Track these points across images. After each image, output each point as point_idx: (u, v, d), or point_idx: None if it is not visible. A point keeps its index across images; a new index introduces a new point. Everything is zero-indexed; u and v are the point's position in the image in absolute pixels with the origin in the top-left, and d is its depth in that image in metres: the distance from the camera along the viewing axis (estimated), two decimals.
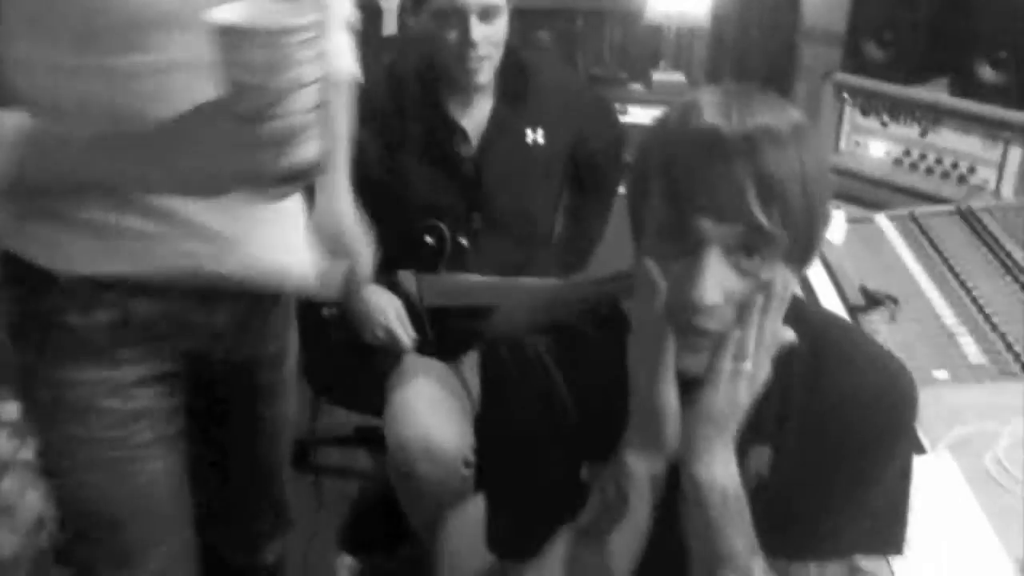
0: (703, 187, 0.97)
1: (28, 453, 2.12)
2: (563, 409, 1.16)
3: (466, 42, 1.95)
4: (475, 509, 1.36)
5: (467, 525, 1.52)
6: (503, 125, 2.10)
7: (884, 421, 1.13)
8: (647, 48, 3.52)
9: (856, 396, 1.12)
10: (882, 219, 2.22)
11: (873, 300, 1.86)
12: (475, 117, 2.10)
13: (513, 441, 1.20)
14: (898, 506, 1.17)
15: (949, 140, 2.78)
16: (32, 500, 2.06)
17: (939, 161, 2.81)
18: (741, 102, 1.00)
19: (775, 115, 0.99)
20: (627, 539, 1.09)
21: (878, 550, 1.20)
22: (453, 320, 2.15)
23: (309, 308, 2.22)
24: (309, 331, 2.26)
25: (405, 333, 2.12)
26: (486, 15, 1.96)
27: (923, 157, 2.84)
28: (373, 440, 2.23)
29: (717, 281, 0.98)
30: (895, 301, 1.85)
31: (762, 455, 1.13)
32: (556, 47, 3.50)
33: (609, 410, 1.11)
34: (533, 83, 2.13)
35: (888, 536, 1.18)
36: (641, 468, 1.07)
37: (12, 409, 2.22)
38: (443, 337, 2.17)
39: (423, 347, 2.16)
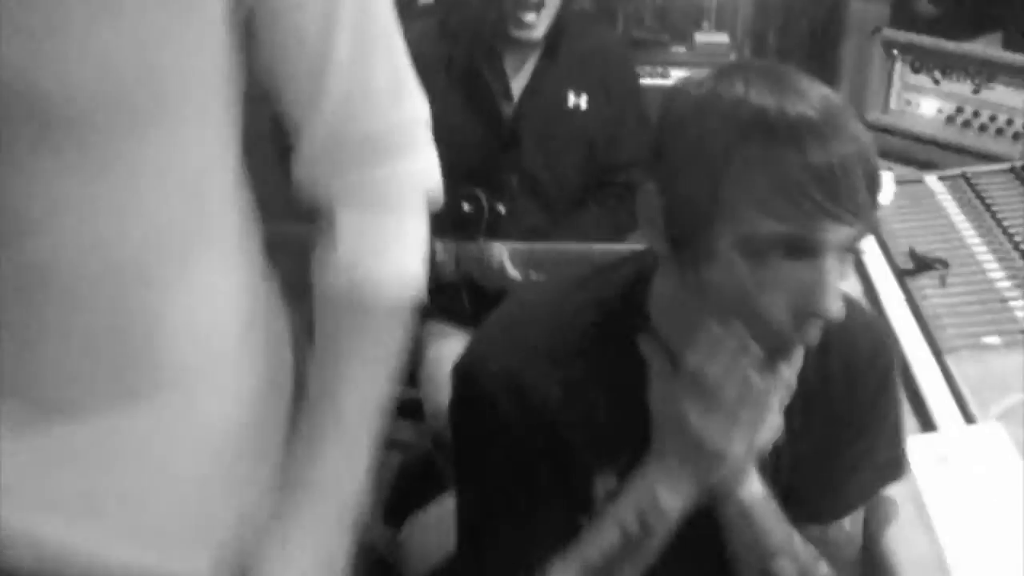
0: (820, 188, 0.89)
1: None
2: (565, 438, 1.07)
3: None
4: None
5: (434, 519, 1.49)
6: (544, 85, 2.06)
7: (879, 380, 1.15)
8: (689, 8, 3.44)
9: (854, 363, 1.12)
10: (932, 180, 2.14)
11: (922, 263, 1.79)
12: (520, 77, 2.06)
13: (504, 491, 1.10)
14: (898, 439, 1.20)
15: (1003, 96, 2.68)
16: None
17: (993, 118, 2.71)
18: (785, 83, 0.93)
19: (827, 93, 0.94)
20: (637, 570, 1.06)
21: (888, 483, 1.22)
22: (491, 288, 2.12)
23: None
24: None
25: None
26: None
27: (976, 114, 2.74)
28: (412, 411, 2.22)
29: (838, 288, 0.92)
30: (945, 264, 1.79)
31: None
32: (596, 9, 3.43)
33: (619, 422, 1.06)
34: (579, 45, 2.08)
35: (894, 469, 1.21)
36: (676, 504, 1.01)
37: None
38: (480, 306, 2.14)
39: (459, 317, 2.13)
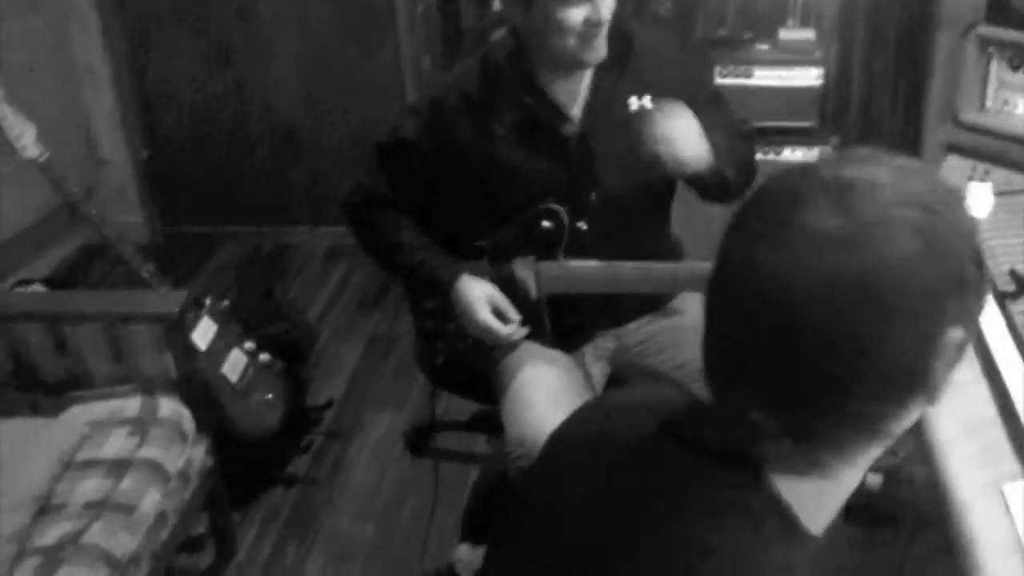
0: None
1: (149, 451, 2.14)
2: None
3: (597, 21, 1.82)
4: None
5: None
6: (604, 96, 1.98)
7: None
8: (774, 5, 3.33)
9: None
10: None
11: None
12: (573, 94, 1.98)
13: None
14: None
15: None
16: (152, 499, 2.07)
17: None
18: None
19: None
20: None
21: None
22: (573, 309, 2.06)
23: (417, 299, 2.18)
24: (421, 320, 2.24)
25: (504, 324, 2.03)
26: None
27: None
28: (492, 425, 2.19)
29: None
30: None
31: None
32: (675, 8, 3.34)
33: None
34: (638, 45, 1.99)
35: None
36: None
37: (134, 405, 2.24)
38: (562, 326, 2.09)
39: (541, 337, 2.08)
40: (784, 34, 3.16)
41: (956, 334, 0.80)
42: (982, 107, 2.77)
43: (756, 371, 0.83)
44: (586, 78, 1.97)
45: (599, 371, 2.16)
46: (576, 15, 1.81)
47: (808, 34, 3.16)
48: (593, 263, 2.01)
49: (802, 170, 0.85)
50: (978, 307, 0.85)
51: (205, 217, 4.08)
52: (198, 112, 3.92)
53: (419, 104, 2.13)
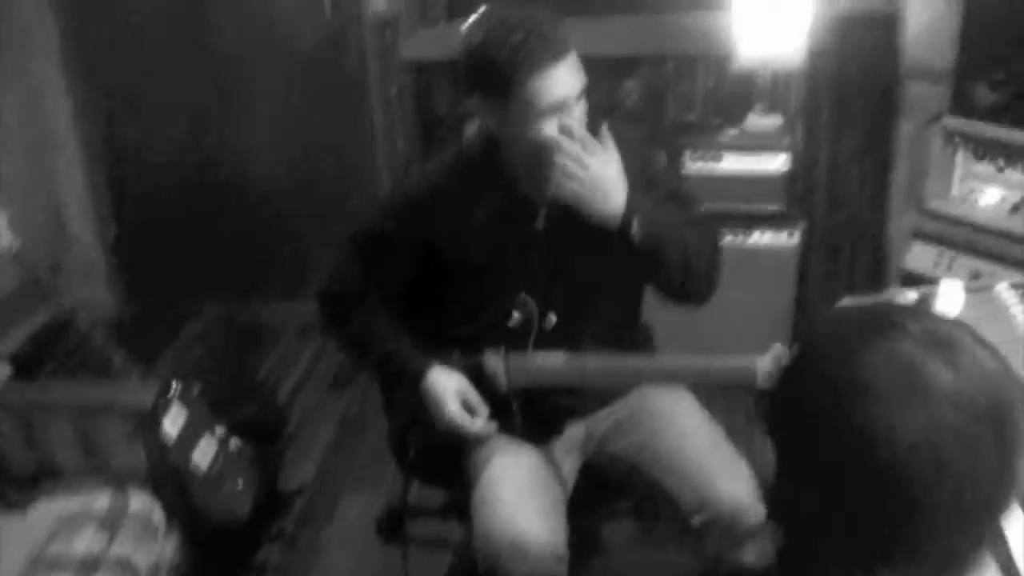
0: None
1: (119, 548, 2.10)
2: None
3: (568, 130, 1.85)
4: None
5: None
6: None
7: None
8: (741, 91, 3.39)
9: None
10: (1003, 288, 2.06)
11: None
12: (543, 189, 2.00)
13: None
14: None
15: None
16: None
17: None
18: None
19: None
20: None
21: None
22: (543, 400, 2.06)
23: (389, 392, 2.19)
24: (393, 413, 2.23)
25: (471, 418, 2.03)
26: (580, 95, 1.87)
27: None
28: (465, 512, 2.17)
29: None
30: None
31: None
32: (645, 95, 3.39)
33: None
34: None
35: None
36: None
37: (104, 499, 2.21)
38: (532, 418, 2.09)
39: (511, 430, 2.08)
40: (752, 120, 3.22)
41: None
42: (948, 196, 2.83)
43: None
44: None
45: (570, 464, 2.16)
46: (548, 128, 1.84)
47: (775, 120, 3.22)
48: (561, 356, 2.02)
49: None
50: None
51: (175, 292, 4.05)
52: (171, 183, 3.91)
53: (393, 198, 2.16)
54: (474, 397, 2.04)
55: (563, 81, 1.82)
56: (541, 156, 1.87)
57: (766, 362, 1.76)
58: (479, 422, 2.04)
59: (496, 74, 1.82)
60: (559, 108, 1.83)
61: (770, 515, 0.93)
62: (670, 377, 2.08)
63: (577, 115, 1.86)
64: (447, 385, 2.03)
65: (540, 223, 1.99)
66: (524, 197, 1.99)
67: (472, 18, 1.94)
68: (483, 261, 2.01)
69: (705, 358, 1.94)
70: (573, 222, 1.97)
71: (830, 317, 0.93)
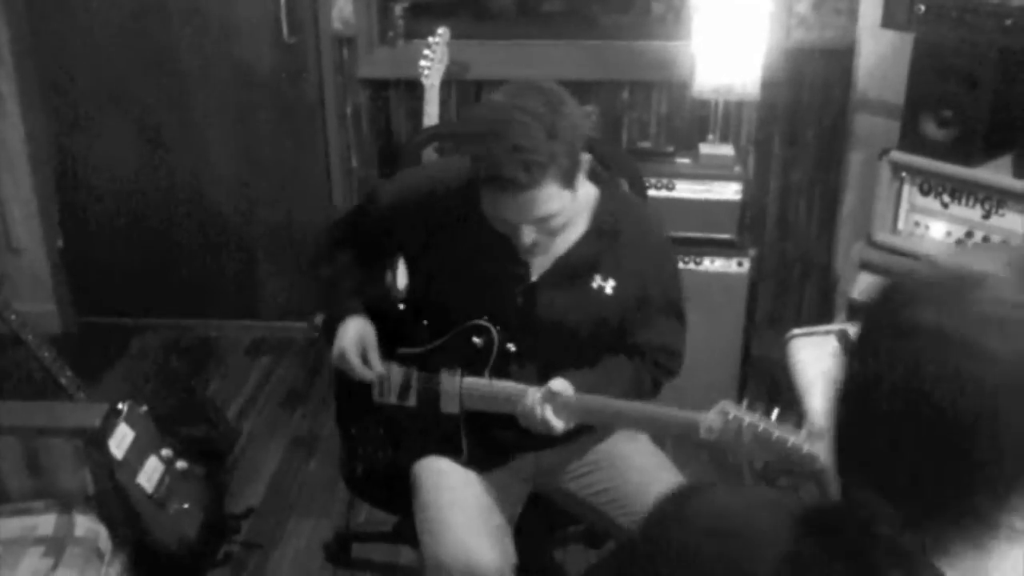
0: None
1: (65, 573, 2.07)
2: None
3: (517, 239, 1.88)
4: None
5: None
6: (572, 265, 2.00)
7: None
8: (694, 120, 3.44)
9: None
10: None
11: None
12: (547, 246, 2.00)
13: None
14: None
15: (1014, 223, 2.66)
16: None
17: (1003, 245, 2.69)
18: None
19: None
20: None
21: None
22: (493, 428, 2.06)
23: (341, 402, 2.22)
24: (344, 423, 2.24)
25: (360, 362, 2.07)
26: (542, 222, 1.85)
27: (986, 240, 2.72)
28: (414, 537, 2.17)
29: None
30: None
31: None
32: (602, 120, 3.43)
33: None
34: (623, 237, 2.02)
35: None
36: None
37: (49, 522, 2.17)
38: (479, 445, 2.09)
39: (456, 454, 2.08)
40: (705, 149, 3.26)
41: None
42: (895, 229, 2.88)
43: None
44: (568, 240, 2.00)
45: (518, 491, 2.16)
46: (507, 227, 1.88)
47: (727, 150, 3.26)
48: (518, 386, 2.01)
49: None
50: None
51: (124, 307, 4.00)
52: (123, 198, 3.86)
53: (409, 180, 2.18)
54: (373, 350, 2.07)
55: (522, 208, 1.81)
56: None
57: (710, 417, 1.79)
58: (365, 370, 2.07)
59: (471, 167, 1.84)
60: (518, 224, 1.84)
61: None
62: (623, 422, 2.09)
63: (554, 225, 1.87)
64: (353, 330, 2.08)
65: (531, 271, 2.01)
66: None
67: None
68: (467, 273, 2.03)
69: (655, 408, 1.96)
70: (562, 292, 1.99)
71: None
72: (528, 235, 1.86)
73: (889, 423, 0.86)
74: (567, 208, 1.85)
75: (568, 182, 1.81)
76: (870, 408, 0.88)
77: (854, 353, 0.91)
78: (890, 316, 0.88)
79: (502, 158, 1.74)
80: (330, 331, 2.10)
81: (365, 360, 2.07)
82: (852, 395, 0.91)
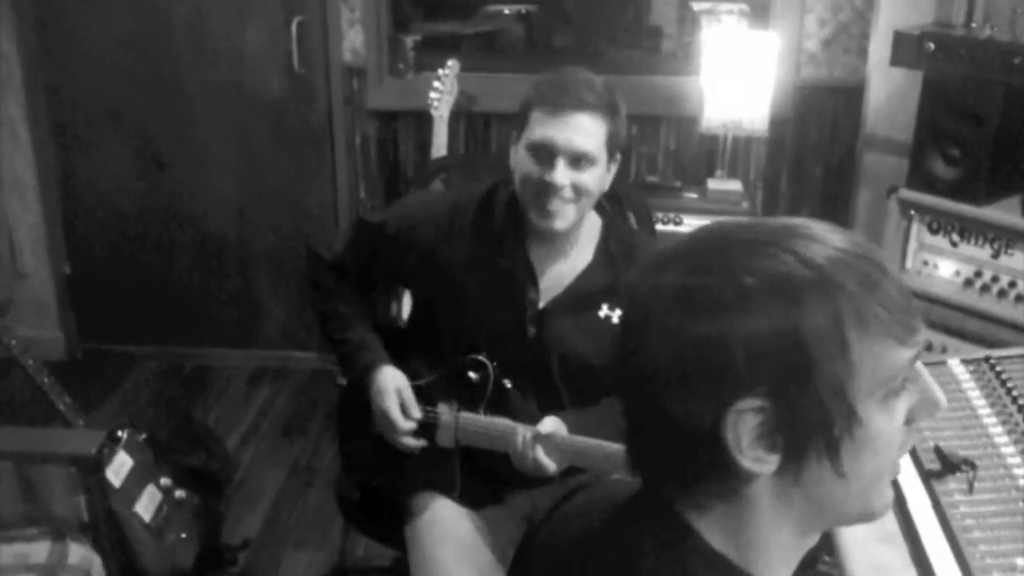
0: (910, 300, 0.93)
1: None
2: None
3: (549, 181, 1.87)
4: None
5: None
6: (581, 293, 2.00)
7: None
8: (702, 155, 3.43)
9: None
10: (955, 364, 2.07)
11: (949, 465, 1.71)
12: (554, 273, 2.00)
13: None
14: None
15: (1023, 263, 2.64)
16: None
17: (1012, 284, 2.66)
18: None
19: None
20: None
21: None
22: (487, 465, 2.04)
23: (342, 415, 2.22)
24: (343, 439, 2.21)
25: (403, 417, 2.04)
26: (576, 162, 1.88)
27: (995, 279, 2.70)
28: (402, 572, 2.14)
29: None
30: (973, 466, 1.70)
31: None
32: None
33: None
34: (631, 266, 2.00)
35: None
36: None
37: (42, 550, 2.15)
38: (474, 481, 2.06)
39: (449, 490, 2.05)
40: (713, 184, 3.25)
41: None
42: (903, 267, 2.86)
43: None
44: (569, 264, 2.00)
45: (511, 530, 2.11)
46: (535, 170, 1.88)
47: (735, 185, 3.25)
48: (511, 424, 1.98)
49: None
50: None
51: (126, 334, 3.99)
52: (127, 224, 3.87)
53: (418, 205, 2.18)
54: (411, 401, 2.05)
55: (568, 127, 1.86)
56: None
57: None
58: (409, 424, 2.04)
59: (524, 100, 1.92)
60: (555, 153, 1.86)
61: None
62: (616, 467, 2.05)
63: (587, 179, 1.89)
64: (390, 381, 2.05)
65: (538, 301, 2.00)
66: (532, 270, 2.00)
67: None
68: (468, 304, 2.02)
69: None
70: (569, 322, 1.98)
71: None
72: (562, 174, 1.87)
73: (627, 411, 0.97)
74: (598, 171, 1.91)
75: (611, 145, 1.91)
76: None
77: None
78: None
79: (570, 77, 1.89)
80: (357, 384, 2.10)
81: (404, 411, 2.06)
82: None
